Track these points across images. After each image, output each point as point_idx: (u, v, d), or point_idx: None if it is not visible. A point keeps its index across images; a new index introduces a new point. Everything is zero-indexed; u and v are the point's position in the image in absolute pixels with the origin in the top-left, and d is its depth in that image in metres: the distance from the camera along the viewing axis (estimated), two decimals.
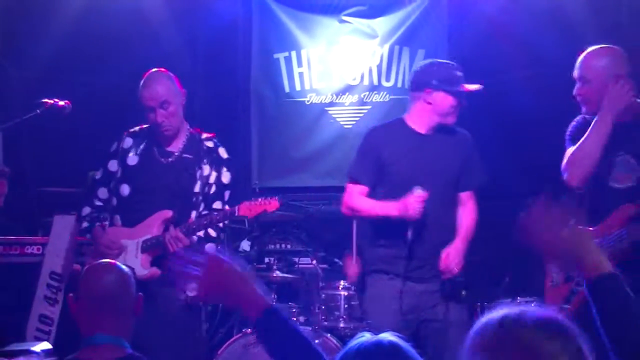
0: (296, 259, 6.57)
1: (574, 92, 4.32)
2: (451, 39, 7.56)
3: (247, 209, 4.54)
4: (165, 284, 4.47)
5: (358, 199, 4.73)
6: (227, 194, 4.77)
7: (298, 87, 7.78)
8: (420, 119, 4.73)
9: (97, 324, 2.86)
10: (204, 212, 4.64)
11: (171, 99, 4.65)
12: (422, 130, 4.72)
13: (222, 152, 4.81)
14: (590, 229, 4.22)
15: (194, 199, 4.65)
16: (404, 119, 4.80)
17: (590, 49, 4.32)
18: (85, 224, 4.70)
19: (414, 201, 4.41)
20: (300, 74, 7.78)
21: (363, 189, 4.73)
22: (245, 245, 6.98)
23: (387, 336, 1.95)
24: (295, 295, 6.25)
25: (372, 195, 4.72)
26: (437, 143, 4.67)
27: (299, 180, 7.69)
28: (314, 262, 6.15)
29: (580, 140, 4.20)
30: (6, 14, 7.03)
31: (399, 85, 7.59)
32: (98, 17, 6.99)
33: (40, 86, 6.22)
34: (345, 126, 7.64)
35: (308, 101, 7.76)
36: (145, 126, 4.81)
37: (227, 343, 5.35)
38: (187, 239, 4.50)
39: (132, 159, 4.72)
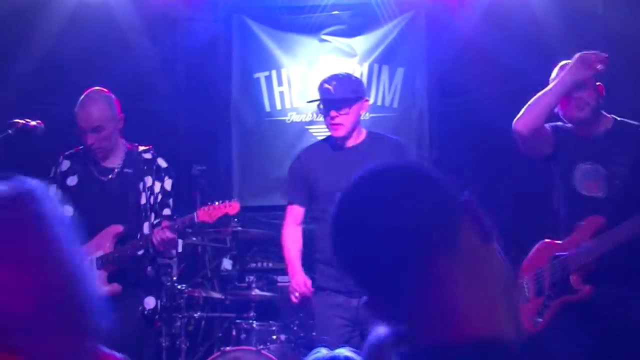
0: (276, 277, 6.58)
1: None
2: (430, 57, 7.61)
3: (206, 214, 4.59)
4: (123, 298, 4.52)
5: (288, 236, 5.00)
6: (171, 201, 4.80)
7: (279, 106, 7.80)
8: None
9: None
10: (156, 221, 4.66)
11: (105, 124, 4.65)
12: (343, 143, 4.85)
13: (161, 162, 4.84)
14: (559, 242, 4.29)
15: (143, 212, 4.67)
16: (331, 136, 4.97)
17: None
18: None
19: (297, 289, 4.76)
20: (281, 93, 7.80)
21: (298, 210, 4.96)
22: (227, 263, 6.98)
23: (343, 351, 1.96)
24: (276, 313, 6.26)
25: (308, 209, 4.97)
26: (359, 154, 4.73)
27: (280, 198, 7.68)
28: None
29: (537, 95, 4.31)
30: None
31: (379, 103, 7.62)
32: (76, 37, 6.99)
33: (17, 107, 6.22)
34: None
35: (289, 120, 7.79)
36: (81, 147, 4.82)
37: None
38: (173, 234, 4.53)
39: (71, 180, 4.72)
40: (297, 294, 4.80)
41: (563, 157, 4.38)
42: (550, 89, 4.28)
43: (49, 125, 4.85)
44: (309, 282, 4.82)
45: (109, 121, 4.67)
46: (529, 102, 4.31)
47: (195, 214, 4.61)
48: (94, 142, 4.65)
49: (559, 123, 4.44)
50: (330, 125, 4.77)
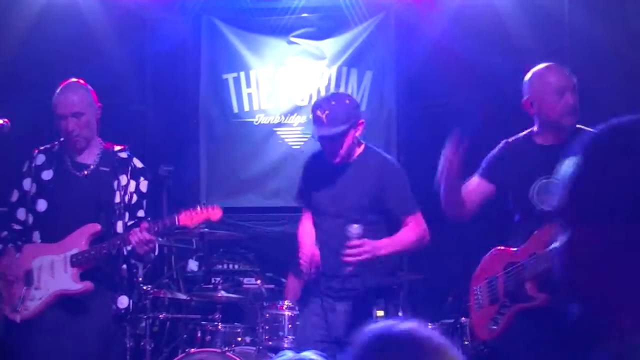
0: (243, 279, 6.56)
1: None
2: (399, 60, 7.63)
3: (188, 218, 4.52)
4: (97, 296, 4.49)
5: (302, 225, 4.89)
6: (145, 202, 4.76)
7: (247, 108, 7.80)
8: None
9: None
10: (130, 222, 4.62)
11: (85, 110, 4.60)
12: (335, 160, 4.70)
13: (137, 162, 4.79)
14: (513, 249, 4.28)
15: (117, 211, 4.63)
16: None
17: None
18: None
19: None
20: (249, 95, 7.80)
21: (308, 214, 4.89)
22: (192, 265, 6.97)
23: (309, 354, 1.93)
24: (241, 315, 6.25)
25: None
26: (349, 171, 4.67)
27: (246, 200, 7.68)
28: (259, 281, 6.16)
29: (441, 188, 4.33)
30: None
31: None
32: (43, 36, 6.95)
33: None
34: (294, 147, 7.66)
35: (256, 122, 7.78)
36: (56, 142, 4.77)
37: None
38: (153, 237, 4.46)
39: (47, 174, 4.65)
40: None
41: (518, 174, 4.32)
42: (441, 178, 4.31)
43: (16, 124, 4.81)
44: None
45: (88, 107, 4.64)
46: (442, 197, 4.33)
47: (176, 217, 4.53)
48: (75, 129, 4.59)
49: (505, 144, 4.46)
50: (325, 153, 4.70)
